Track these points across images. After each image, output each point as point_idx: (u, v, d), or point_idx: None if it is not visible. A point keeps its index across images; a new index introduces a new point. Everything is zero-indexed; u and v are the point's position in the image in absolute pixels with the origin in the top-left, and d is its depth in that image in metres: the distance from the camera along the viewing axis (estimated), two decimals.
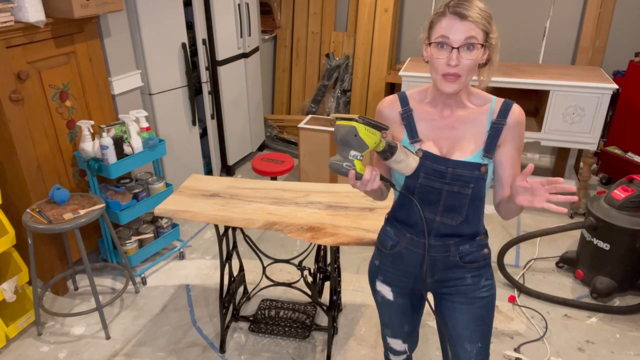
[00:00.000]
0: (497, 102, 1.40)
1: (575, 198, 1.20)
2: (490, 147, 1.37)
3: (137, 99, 3.22)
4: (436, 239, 1.44)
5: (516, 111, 1.37)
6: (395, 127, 1.43)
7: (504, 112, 1.37)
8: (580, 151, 3.87)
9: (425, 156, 1.38)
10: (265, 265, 2.61)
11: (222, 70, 3.86)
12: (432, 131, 1.40)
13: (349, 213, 2.11)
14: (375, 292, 1.64)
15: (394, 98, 1.46)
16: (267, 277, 2.62)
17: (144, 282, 2.94)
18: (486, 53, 1.31)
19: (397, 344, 1.71)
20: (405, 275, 1.54)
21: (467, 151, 1.37)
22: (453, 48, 1.26)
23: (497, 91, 1.47)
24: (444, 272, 1.49)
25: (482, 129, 1.38)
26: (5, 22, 2.26)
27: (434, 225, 1.43)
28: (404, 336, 1.68)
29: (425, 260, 1.46)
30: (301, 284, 2.50)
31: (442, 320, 1.57)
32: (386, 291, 1.59)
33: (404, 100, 1.44)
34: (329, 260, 2.37)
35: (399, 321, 1.65)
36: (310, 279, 2.36)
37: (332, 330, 2.37)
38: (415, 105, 1.43)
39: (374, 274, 1.61)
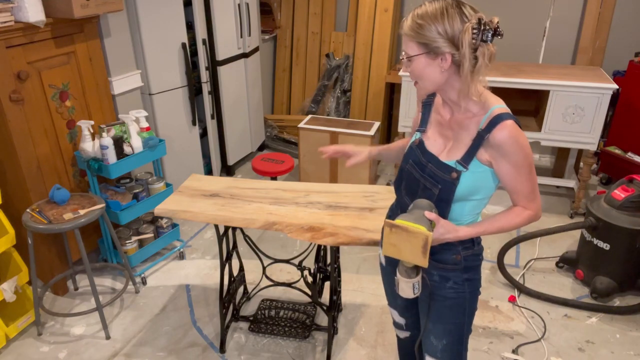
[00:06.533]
0: (492, 113, 1.33)
1: None
2: (468, 156, 1.35)
3: (137, 99, 3.21)
4: None
5: (499, 130, 1.29)
6: (419, 113, 1.53)
7: (490, 126, 1.31)
8: (580, 151, 3.87)
9: (419, 145, 1.47)
10: (265, 265, 2.61)
11: (222, 70, 3.86)
12: (436, 126, 1.47)
13: (349, 213, 2.11)
14: (380, 256, 1.74)
15: None
16: (267, 277, 2.62)
17: (144, 282, 2.95)
18: (444, 59, 1.28)
19: (395, 314, 1.80)
20: None
21: (452, 154, 1.39)
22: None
23: (497, 91, 1.44)
24: None
25: (470, 136, 1.36)
26: (5, 22, 2.26)
27: None
28: (400, 310, 1.76)
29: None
30: (301, 284, 2.50)
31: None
32: (382, 256, 1.68)
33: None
34: (329, 260, 2.37)
35: (390, 289, 1.74)
36: (310, 279, 2.36)
37: (332, 330, 2.37)
38: (439, 98, 1.49)
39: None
